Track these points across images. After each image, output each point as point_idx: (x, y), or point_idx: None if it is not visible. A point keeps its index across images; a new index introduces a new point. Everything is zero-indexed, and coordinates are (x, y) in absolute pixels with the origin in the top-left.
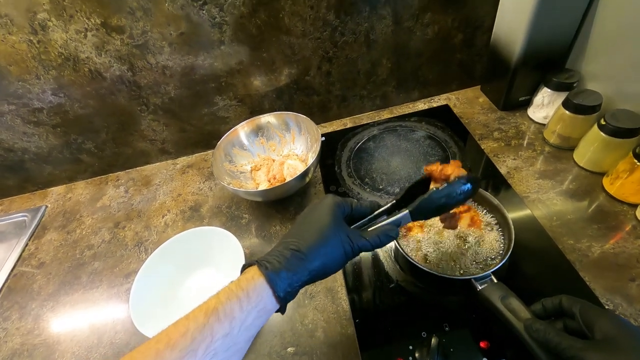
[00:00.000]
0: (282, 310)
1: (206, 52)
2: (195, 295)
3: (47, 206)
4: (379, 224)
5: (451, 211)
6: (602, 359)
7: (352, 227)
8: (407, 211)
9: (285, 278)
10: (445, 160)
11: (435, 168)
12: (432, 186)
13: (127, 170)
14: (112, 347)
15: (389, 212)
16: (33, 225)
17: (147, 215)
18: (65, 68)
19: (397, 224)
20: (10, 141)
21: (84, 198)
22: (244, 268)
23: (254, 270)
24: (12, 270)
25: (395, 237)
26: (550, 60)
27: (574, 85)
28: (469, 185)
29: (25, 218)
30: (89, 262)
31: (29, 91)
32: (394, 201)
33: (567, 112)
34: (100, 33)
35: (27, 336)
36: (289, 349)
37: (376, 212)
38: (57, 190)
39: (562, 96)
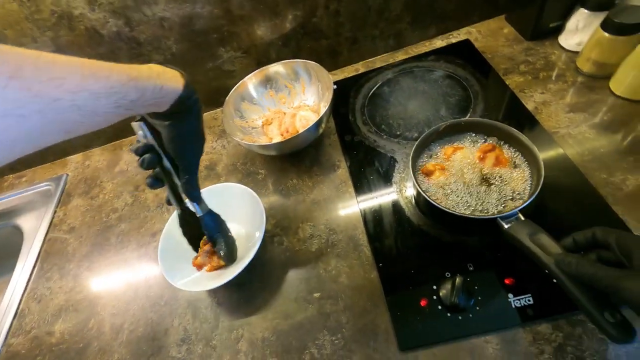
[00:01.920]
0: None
1: None
2: None
3: (68, 174)
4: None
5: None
6: None
7: None
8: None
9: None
10: (466, 99)
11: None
12: None
13: None
14: (148, 300)
15: None
16: (58, 193)
17: None
18: (61, 27)
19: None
20: None
21: (101, 164)
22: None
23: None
24: (45, 236)
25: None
26: None
27: (615, 2)
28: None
29: (50, 187)
30: (116, 224)
31: None
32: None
33: (605, 34)
34: None
35: (70, 293)
36: (314, 294)
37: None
38: (75, 159)
39: (600, 17)
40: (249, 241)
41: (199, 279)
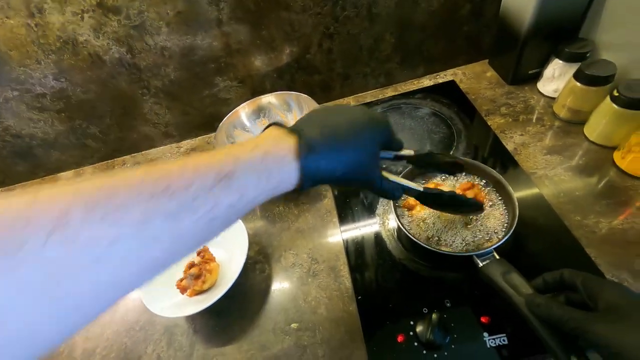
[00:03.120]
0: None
1: (204, 31)
2: None
3: None
4: (391, 177)
5: None
6: (607, 329)
7: None
8: (421, 188)
9: (318, 161)
10: (450, 137)
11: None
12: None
13: (132, 155)
14: (123, 324)
15: (406, 160)
16: None
17: None
18: (65, 52)
19: (406, 189)
20: (18, 127)
21: None
22: (268, 126)
23: (287, 147)
24: None
25: (397, 198)
26: (563, 29)
27: (587, 55)
28: (474, 203)
29: None
30: None
31: (31, 76)
32: (413, 153)
33: (578, 84)
34: (96, 14)
35: None
36: (292, 325)
37: (399, 154)
38: (66, 176)
39: (574, 67)
40: (231, 267)
41: (179, 304)
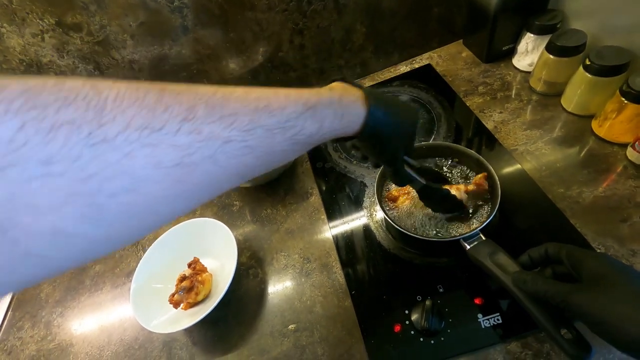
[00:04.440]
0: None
1: (172, 40)
2: None
3: None
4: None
5: None
6: (590, 299)
7: None
8: (424, 182)
9: (379, 111)
10: (430, 122)
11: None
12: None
13: None
14: (122, 344)
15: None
16: None
17: None
18: (30, 74)
19: (413, 179)
20: None
21: None
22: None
23: (356, 95)
24: None
25: (401, 185)
26: (531, 2)
27: (557, 26)
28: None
29: None
30: (90, 266)
31: None
32: (417, 165)
33: (551, 56)
34: (57, 33)
35: (42, 342)
36: (290, 327)
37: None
38: None
39: (546, 39)
40: (224, 275)
41: (174, 318)
